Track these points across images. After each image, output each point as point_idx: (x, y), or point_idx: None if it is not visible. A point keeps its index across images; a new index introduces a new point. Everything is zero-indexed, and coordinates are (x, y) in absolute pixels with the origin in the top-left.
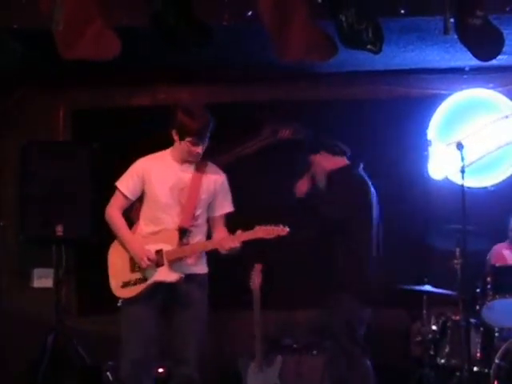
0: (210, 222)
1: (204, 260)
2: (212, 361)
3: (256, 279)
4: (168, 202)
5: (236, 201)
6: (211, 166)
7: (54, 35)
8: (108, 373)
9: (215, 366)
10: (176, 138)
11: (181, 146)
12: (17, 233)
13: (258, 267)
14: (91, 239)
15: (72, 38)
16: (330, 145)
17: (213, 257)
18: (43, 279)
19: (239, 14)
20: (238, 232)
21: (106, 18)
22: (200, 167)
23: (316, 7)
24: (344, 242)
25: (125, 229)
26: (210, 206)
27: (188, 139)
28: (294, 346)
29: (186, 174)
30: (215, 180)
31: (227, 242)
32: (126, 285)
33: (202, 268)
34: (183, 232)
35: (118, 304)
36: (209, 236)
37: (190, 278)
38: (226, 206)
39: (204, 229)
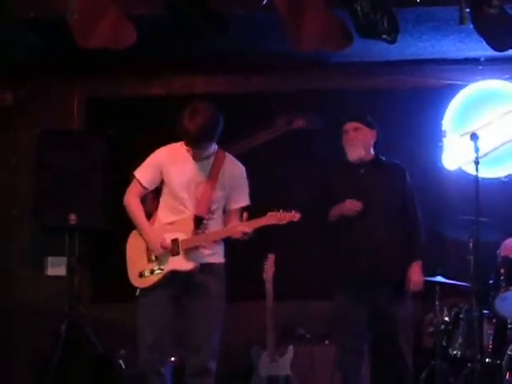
0: (225, 213)
1: (221, 250)
2: (224, 350)
3: (269, 269)
4: (184, 196)
5: (252, 191)
6: (229, 159)
7: (69, 24)
8: (120, 361)
9: (227, 356)
10: None
11: None
12: (31, 221)
13: (271, 257)
14: (104, 228)
15: (87, 27)
16: None
17: (227, 247)
18: (56, 267)
19: (254, 3)
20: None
21: (122, 6)
22: (217, 161)
23: None
24: None
25: (142, 217)
26: (226, 199)
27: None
28: (307, 336)
29: (203, 169)
30: (231, 175)
31: (240, 228)
32: (142, 274)
33: (218, 258)
34: (199, 221)
35: (136, 293)
36: None
37: (206, 267)
38: (241, 200)
39: (219, 222)
